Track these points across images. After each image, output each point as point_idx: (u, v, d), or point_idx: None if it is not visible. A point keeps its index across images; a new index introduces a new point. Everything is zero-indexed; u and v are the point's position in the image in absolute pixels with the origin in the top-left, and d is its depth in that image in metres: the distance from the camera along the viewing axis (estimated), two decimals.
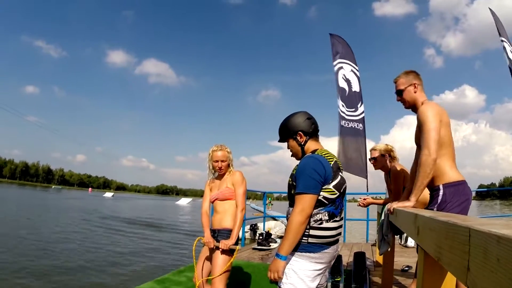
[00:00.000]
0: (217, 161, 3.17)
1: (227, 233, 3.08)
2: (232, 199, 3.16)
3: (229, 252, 3.02)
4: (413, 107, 2.69)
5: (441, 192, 2.42)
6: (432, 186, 2.50)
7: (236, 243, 3.05)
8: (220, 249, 2.99)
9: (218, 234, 3.12)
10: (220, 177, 3.29)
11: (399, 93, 2.69)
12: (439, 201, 2.42)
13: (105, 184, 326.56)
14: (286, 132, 2.36)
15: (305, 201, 2.05)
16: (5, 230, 12.71)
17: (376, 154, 3.78)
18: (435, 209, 2.43)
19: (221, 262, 2.97)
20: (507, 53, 7.75)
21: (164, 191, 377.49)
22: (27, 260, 8.40)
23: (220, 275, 2.93)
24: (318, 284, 2.27)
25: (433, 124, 2.38)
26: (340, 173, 2.24)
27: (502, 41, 7.89)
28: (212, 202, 3.26)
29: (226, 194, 3.15)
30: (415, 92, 2.63)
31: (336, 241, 2.25)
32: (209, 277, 3.07)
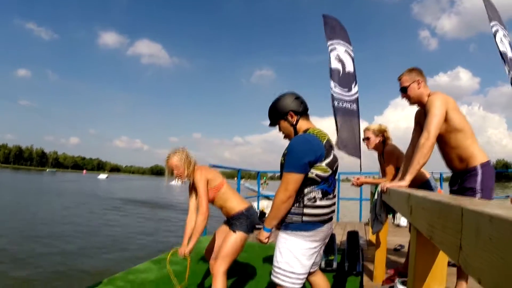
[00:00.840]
0: (170, 171, 3.11)
1: (238, 216, 3.03)
2: (215, 195, 3.07)
3: (243, 233, 2.98)
4: (418, 102, 2.75)
5: (479, 172, 2.49)
6: (467, 167, 2.55)
7: (241, 224, 3.01)
8: (234, 231, 2.96)
9: (232, 220, 3.07)
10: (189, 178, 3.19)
11: (404, 90, 2.74)
12: (479, 180, 2.49)
13: (99, 166, 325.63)
14: (276, 114, 2.35)
15: (289, 180, 2.08)
16: (4, 217, 12.69)
17: (370, 134, 3.79)
18: (478, 187, 2.49)
19: (230, 241, 2.91)
20: (498, 38, 7.72)
21: (158, 171, 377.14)
22: (33, 244, 8.44)
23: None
24: (313, 262, 2.31)
25: (438, 111, 2.44)
26: (333, 151, 2.26)
27: (493, 26, 7.85)
28: (212, 202, 3.14)
29: (210, 195, 3.04)
30: (418, 89, 2.69)
31: (330, 219, 2.28)
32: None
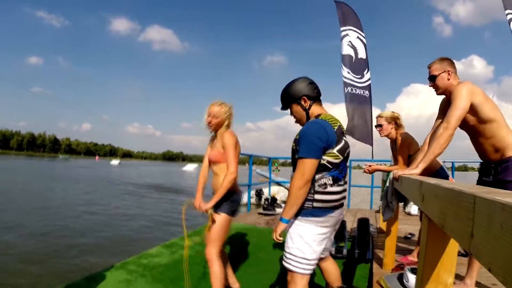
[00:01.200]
0: (209, 115, 2.97)
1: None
2: (222, 162, 2.96)
3: (227, 215, 2.93)
4: (445, 93, 2.70)
5: None
6: (502, 158, 2.47)
7: (233, 203, 2.95)
8: (217, 213, 2.90)
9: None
10: (216, 136, 3.08)
11: (433, 78, 2.68)
12: None
13: (112, 152, 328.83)
14: (289, 98, 2.35)
15: (305, 166, 2.07)
16: (25, 203, 12.93)
17: (382, 121, 3.76)
18: None
19: (216, 226, 2.88)
20: None
21: (170, 157, 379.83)
22: (57, 230, 8.61)
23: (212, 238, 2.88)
24: (324, 248, 2.32)
25: (463, 103, 2.38)
26: (344, 138, 2.26)
27: (508, 14, 7.69)
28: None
29: (214, 157, 2.98)
30: (448, 80, 2.62)
31: (341, 205, 2.28)
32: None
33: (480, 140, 2.55)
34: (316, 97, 2.32)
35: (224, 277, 2.92)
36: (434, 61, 2.71)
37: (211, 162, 3.04)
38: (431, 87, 2.73)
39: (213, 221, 2.90)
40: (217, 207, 2.92)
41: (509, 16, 7.69)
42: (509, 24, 7.57)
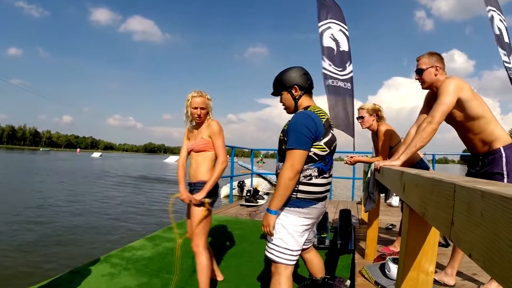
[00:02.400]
0: (196, 108, 2.90)
1: (202, 185, 2.89)
2: (208, 150, 2.94)
3: (209, 207, 2.91)
4: (431, 87, 2.71)
5: (503, 154, 2.43)
6: (489, 150, 2.49)
7: (213, 196, 2.91)
8: (194, 204, 2.86)
9: (194, 187, 2.95)
10: (197, 126, 3.04)
11: (420, 72, 2.69)
12: (503, 163, 2.43)
13: (93, 144, 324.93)
14: (281, 85, 2.34)
15: (295, 157, 2.07)
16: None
17: (364, 113, 3.79)
18: (505, 171, 2.42)
19: (197, 217, 2.85)
20: (494, 23, 7.70)
21: (152, 149, 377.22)
22: (34, 225, 8.46)
23: (198, 229, 2.86)
24: (306, 239, 2.34)
25: (449, 98, 2.40)
26: (331, 131, 2.27)
27: (489, 10, 7.81)
28: (188, 153, 3.06)
29: (201, 146, 2.93)
30: (435, 75, 2.63)
31: (325, 198, 2.30)
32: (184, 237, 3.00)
33: (468, 135, 2.57)
34: (307, 89, 2.32)
35: (210, 269, 2.91)
36: (423, 55, 2.72)
37: (193, 152, 2.98)
38: (417, 80, 2.75)
39: (209, 210, 2.88)
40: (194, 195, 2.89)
41: (490, 13, 7.81)
42: (491, 21, 7.70)
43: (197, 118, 2.94)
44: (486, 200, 0.56)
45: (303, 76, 2.31)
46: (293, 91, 2.31)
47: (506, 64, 7.49)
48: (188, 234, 3.13)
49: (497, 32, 7.61)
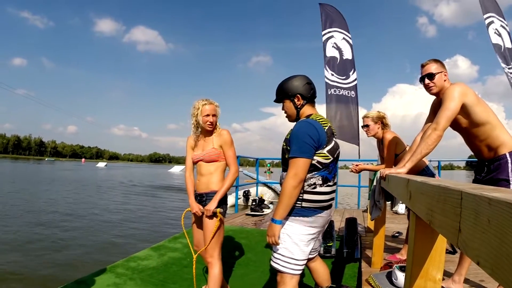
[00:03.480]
0: (207, 115, 2.86)
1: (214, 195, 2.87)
2: (219, 160, 2.91)
3: (222, 216, 2.87)
4: (437, 93, 2.70)
5: (509, 160, 2.41)
6: (494, 156, 2.47)
7: (223, 205, 2.89)
8: (206, 216, 2.83)
9: (207, 198, 2.90)
10: (205, 135, 2.99)
11: (431, 76, 2.65)
12: (510, 167, 2.40)
13: (98, 154, 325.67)
14: (284, 93, 2.34)
15: (298, 165, 2.07)
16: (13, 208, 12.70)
17: (369, 121, 3.79)
18: (510, 175, 2.40)
19: (210, 228, 2.81)
20: (491, 30, 7.75)
21: (157, 159, 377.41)
22: (35, 233, 8.49)
23: (211, 242, 2.82)
24: (312, 248, 2.33)
25: (453, 104, 2.39)
26: (334, 139, 2.26)
27: (487, 18, 7.84)
28: (195, 163, 3.01)
29: (213, 156, 2.89)
30: (444, 80, 2.63)
31: (330, 206, 2.28)
32: (200, 250, 2.96)
33: (474, 141, 2.56)
34: (310, 98, 2.32)
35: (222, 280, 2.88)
36: (429, 60, 2.70)
37: (203, 162, 2.94)
38: (426, 86, 2.71)
39: (221, 220, 2.86)
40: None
41: (487, 20, 7.84)
42: (487, 28, 7.73)
43: (209, 125, 2.90)
44: (494, 207, 0.56)
45: (306, 85, 2.31)
46: (296, 100, 2.31)
47: (506, 70, 7.52)
48: (194, 245, 3.12)
49: (495, 41, 7.67)
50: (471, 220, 0.66)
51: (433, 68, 2.66)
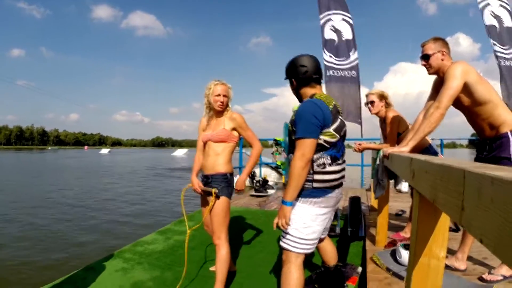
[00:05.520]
0: (219, 95, 2.88)
1: (221, 178, 2.87)
2: (227, 142, 2.91)
3: (227, 198, 2.88)
4: (437, 73, 2.69)
5: (511, 138, 2.40)
6: (496, 134, 2.47)
7: (228, 187, 2.89)
8: (212, 197, 2.83)
9: (212, 179, 2.90)
10: (217, 115, 3.00)
11: (426, 57, 2.67)
12: (511, 147, 2.40)
13: (101, 141, 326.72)
14: (286, 72, 2.37)
15: (305, 146, 2.07)
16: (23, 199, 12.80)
17: (374, 97, 3.76)
18: None
19: (215, 210, 2.83)
20: (486, 13, 7.77)
21: (160, 143, 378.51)
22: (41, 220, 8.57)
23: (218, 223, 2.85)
24: (324, 228, 2.35)
25: (456, 82, 2.38)
26: (340, 117, 2.26)
27: (480, 1, 7.80)
28: (205, 144, 3.02)
29: (221, 136, 2.89)
30: (442, 60, 2.62)
31: (340, 185, 2.29)
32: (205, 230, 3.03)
33: (476, 120, 2.56)
34: (304, 81, 2.30)
35: (229, 262, 2.90)
36: (428, 40, 2.69)
37: (211, 142, 2.94)
38: (424, 66, 2.73)
39: (227, 202, 2.88)
40: (218, 191, 2.86)
41: (482, 4, 7.80)
42: (482, 12, 7.73)
43: (220, 106, 2.91)
44: (496, 186, 0.56)
45: (299, 68, 2.29)
46: (293, 82, 2.34)
47: (498, 54, 7.58)
48: (204, 224, 3.17)
49: (488, 22, 7.73)
50: (474, 199, 0.66)
51: (429, 48, 2.66)
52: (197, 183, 2.98)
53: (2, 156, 51.74)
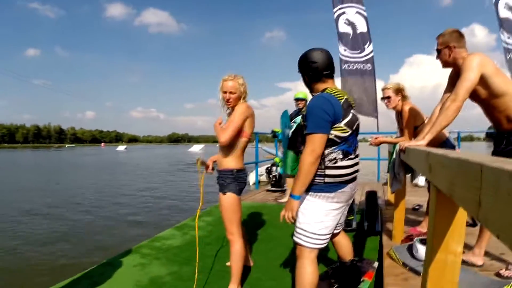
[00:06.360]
0: (225, 92, 2.83)
1: (228, 173, 2.84)
2: (238, 137, 2.83)
3: (234, 194, 2.84)
4: (452, 66, 2.67)
5: None
6: None
7: (233, 181, 2.84)
8: (224, 193, 2.82)
9: (219, 175, 2.91)
10: (230, 111, 2.93)
11: (438, 52, 2.67)
12: None
13: (117, 138, 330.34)
14: (299, 67, 2.36)
15: (315, 141, 2.07)
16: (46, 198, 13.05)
17: (390, 92, 3.72)
18: None
19: (224, 206, 2.84)
20: (501, 5, 7.68)
21: (176, 139, 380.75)
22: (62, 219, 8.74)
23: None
24: (338, 223, 2.34)
25: (472, 74, 2.35)
26: (352, 111, 2.23)
27: None
28: None
29: (234, 134, 2.80)
30: (449, 56, 2.59)
31: (354, 179, 2.28)
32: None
33: (493, 113, 2.51)
34: (315, 77, 2.29)
35: (244, 256, 2.90)
36: (442, 34, 2.65)
37: None
38: (438, 60, 2.71)
39: (236, 198, 2.86)
40: (224, 187, 2.85)
41: None
42: (496, 5, 7.66)
43: (227, 103, 2.87)
44: None
45: (309, 64, 2.28)
46: (305, 78, 2.34)
47: (505, 45, 7.53)
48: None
49: (503, 15, 7.66)
50: (491, 194, 0.66)
51: (439, 44, 2.64)
52: (210, 161, 3.07)
53: (21, 155, 52.74)
